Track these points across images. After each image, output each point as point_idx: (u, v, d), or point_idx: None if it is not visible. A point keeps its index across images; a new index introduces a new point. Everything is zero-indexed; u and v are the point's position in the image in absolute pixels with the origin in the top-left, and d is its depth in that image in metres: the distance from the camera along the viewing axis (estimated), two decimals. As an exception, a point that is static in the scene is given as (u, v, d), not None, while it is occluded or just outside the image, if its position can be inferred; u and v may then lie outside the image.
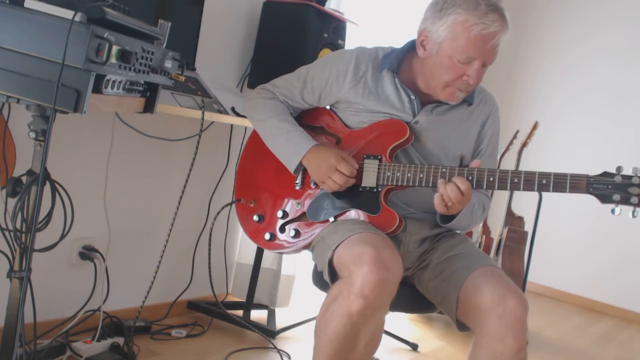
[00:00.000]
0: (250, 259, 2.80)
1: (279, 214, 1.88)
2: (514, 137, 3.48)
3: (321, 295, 1.69)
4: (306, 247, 1.85)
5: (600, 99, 4.54)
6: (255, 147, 1.97)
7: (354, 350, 1.53)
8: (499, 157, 3.42)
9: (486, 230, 3.51)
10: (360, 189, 1.78)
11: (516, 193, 3.51)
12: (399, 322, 3.16)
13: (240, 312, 2.70)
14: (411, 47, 1.81)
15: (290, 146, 1.83)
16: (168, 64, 1.53)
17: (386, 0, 3.57)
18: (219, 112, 2.27)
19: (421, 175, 1.70)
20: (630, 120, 4.42)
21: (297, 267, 2.99)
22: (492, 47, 1.64)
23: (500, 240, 3.48)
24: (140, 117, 2.26)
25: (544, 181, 1.57)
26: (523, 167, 3.16)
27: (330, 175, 1.75)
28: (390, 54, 1.83)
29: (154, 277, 2.29)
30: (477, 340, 1.59)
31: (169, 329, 2.50)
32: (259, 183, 1.96)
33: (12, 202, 1.37)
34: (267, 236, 1.89)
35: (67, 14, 1.22)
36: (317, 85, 1.87)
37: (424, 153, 1.82)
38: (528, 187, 1.59)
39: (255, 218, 1.93)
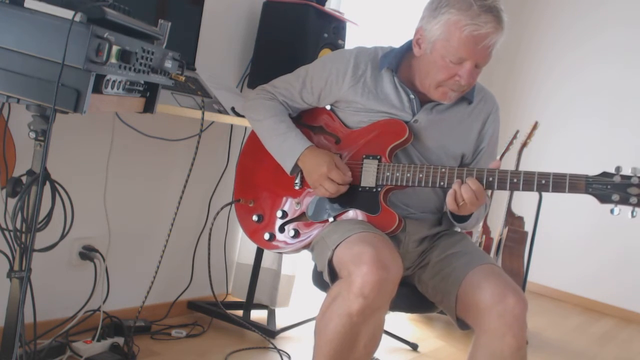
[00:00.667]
0: (250, 259, 2.80)
1: (278, 213, 1.88)
2: (514, 137, 3.47)
3: (321, 295, 1.69)
4: (305, 247, 1.85)
5: (600, 99, 4.54)
6: (255, 147, 1.97)
7: (354, 350, 1.53)
8: (499, 157, 3.42)
9: (486, 230, 3.51)
10: (360, 189, 1.78)
11: (516, 193, 3.51)
12: (399, 322, 3.16)
13: (240, 312, 2.70)
14: (410, 46, 1.81)
15: (285, 147, 1.83)
16: (168, 64, 1.53)
17: (386, 0, 3.57)
18: (219, 112, 2.27)
19: (420, 175, 1.70)
20: (630, 121, 4.42)
21: (297, 267, 2.99)
22: (484, 48, 1.64)
23: (500, 240, 3.48)
24: (140, 117, 2.26)
25: (543, 181, 1.57)
26: (523, 167, 3.17)
27: (322, 184, 1.75)
28: (389, 54, 1.83)
29: (154, 277, 2.29)
30: (477, 338, 1.60)
31: (169, 329, 2.50)
32: (258, 183, 1.96)
33: (12, 202, 1.37)
34: (266, 236, 1.89)
35: (67, 14, 1.22)
36: (316, 85, 1.87)
37: (424, 152, 1.82)
38: (527, 187, 1.59)
39: (255, 218, 1.93)
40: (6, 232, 1.45)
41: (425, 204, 1.85)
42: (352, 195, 1.78)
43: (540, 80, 4.80)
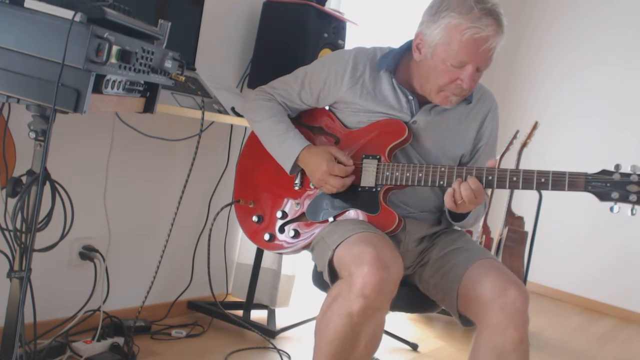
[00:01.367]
0: (250, 259, 2.80)
1: (279, 214, 1.88)
2: (514, 137, 3.48)
3: (321, 295, 1.69)
4: (306, 247, 1.85)
5: (600, 100, 4.54)
6: (254, 148, 1.97)
7: (355, 350, 1.53)
8: (499, 157, 3.42)
9: (486, 230, 3.51)
10: (360, 189, 1.78)
11: (516, 193, 3.51)
12: (399, 322, 3.16)
13: (240, 312, 2.70)
14: (409, 47, 1.81)
15: (284, 148, 1.84)
16: (168, 64, 1.53)
17: (386, 0, 3.57)
18: (219, 112, 2.27)
19: (420, 175, 1.70)
20: (630, 121, 4.42)
21: (297, 267, 2.99)
22: (485, 51, 1.63)
23: (500, 240, 3.48)
24: (140, 117, 2.26)
25: (543, 180, 1.57)
26: (523, 167, 3.16)
27: (327, 181, 1.75)
28: (388, 55, 1.83)
29: (154, 277, 2.28)
30: (479, 332, 1.59)
31: (169, 329, 2.50)
32: (258, 183, 1.96)
33: (12, 202, 1.37)
34: (266, 237, 1.89)
35: (67, 14, 1.22)
36: (315, 86, 1.87)
37: (423, 152, 1.82)
38: (527, 185, 1.59)
39: (255, 219, 1.93)
40: (6, 232, 1.45)
41: (424, 203, 1.85)
42: (351, 195, 1.78)
43: (541, 81, 4.80)
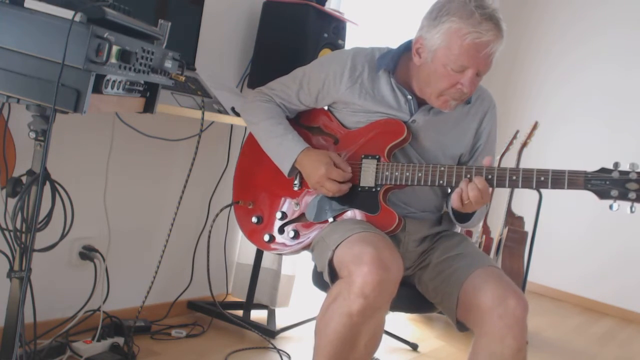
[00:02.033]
0: (250, 259, 2.80)
1: (278, 215, 1.88)
2: (514, 137, 3.48)
3: (321, 296, 1.69)
4: (305, 248, 1.85)
5: (600, 100, 4.54)
6: (253, 149, 1.97)
7: (354, 350, 1.53)
8: (499, 157, 3.42)
9: (486, 230, 3.51)
10: (359, 189, 1.78)
11: (516, 193, 3.51)
12: (399, 322, 3.16)
13: (240, 312, 2.70)
14: (407, 47, 1.81)
15: (282, 150, 1.84)
16: (168, 64, 1.53)
17: (386, 0, 3.57)
18: (219, 112, 2.27)
19: (419, 174, 1.70)
20: (630, 121, 4.42)
21: (297, 267, 2.99)
22: (485, 55, 1.64)
23: (500, 240, 3.48)
24: (140, 117, 2.25)
25: (542, 178, 1.57)
26: (523, 167, 3.16)
27: (323, 185, 1.76)
28: (386, 55, 1.83)
29: (154, 277, 2.28)
30: (477, 340, 1.59)
31: (169, 329, 2.50)
32: (257, 184, 1.96)
33: (12, 202, 1.37)
34: (266, 237, 1.89)
35: (67, 14, 1.22)
36: (313, 86, 1.87)
37: (422, 152, 1.82)
38: (526, 184, 1.59)
39: (254, 219, 1.93)
40: (6, 232, 1.45)
41: (424, 203, 1.85)
42: (351, 195, 1.78)
43: (540, 81, 4.80)
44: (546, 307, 4.34)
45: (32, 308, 1.55)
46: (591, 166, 1.60)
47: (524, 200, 3.71)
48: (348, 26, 2.64)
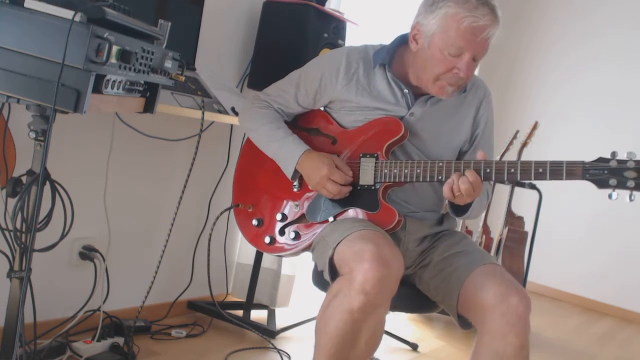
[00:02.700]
0: (250, 259, 2.80)
1: (278, 216, 1.88)
2: (514, 137, 3.48)
3: (321, 295, 1.69)
4: (306, 249, 1.85)
5: (600, 100, 4.54)
6: (251, 152, 1.98)
7: (355, 348, 1.53)
8: (499, 157, 3.42)
9: (486, 230, 3.51)
10: (359, 187, 1.78)
11: (516, 193, 3.51)
12: (399, 322, 3.16)
13: (240, 312, 2.70)
14: (401, 42, 1.83)
15: (282, 153, 1.84)
16: (168, 64, 1.53)
17: (386, 0, 3.57)
18: (219, 112, 2.27)
19: (418, 171, 1.71)
20: (630, 122, 4.42)
21: (297, 267, 2.99)
22: (482, 40, 1.66)
23: (500, 240, 3.48)
24: (140, 117, 2.25)
25: (540, 170, 1.58)
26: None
27: (324, 186, 1.76)
28: (380, 50, 1.84)
29: (154, 277, 2.29)
30: (480, 338, 1.59)
31: (169, 329, 2.50)
32: (257, 187, 1.96)
33: (12, 202, 1.37)
34: (267, 239, 1.89)
35: (67, 14, 1.22)
36: (310, 86, 1.87)
37: (422, 146, 1.82)
38: (525, 176, 1.60)
39: (254, 222, 1.93)
40: (6, 232, 1.45)
41: (424, 201, 1.86)
42: (351, 194, 1.78)
43: (541, 81, 4.80)
44: (546, 307, 4.34)
45: (32, 308, 1.55)
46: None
47: (524, 200, 3.71)
48: (348, 26, 2.64)
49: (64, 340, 2.08)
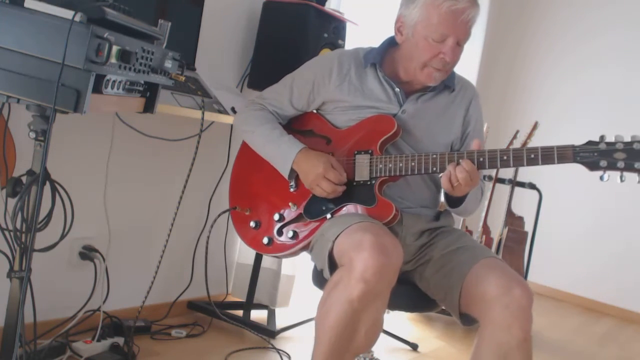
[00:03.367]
0: (250, 259, 2.80)
1: (276, 217, 1.89)
2: (514, 137, 3.48)
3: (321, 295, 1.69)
4: (304, 248, 1.86)
5: (600, 100, 4.53)
6: (247, 156, 2.00)
7: (355, 339, 1.54)
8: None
9: (486, 230, 3.51)
10: (355, 183, 1.81)
11: (516, 193, 3.51)
12: (399, 322, 3.16)
13: (240, 312, 2.70)
14: (390, 43, 1.88)
15: (279, 153, 1.86)
16: (168, 64, 1.53)
17: (386, 0, 3.57)
18: (219, 112, 2.27)
19: (413, 164, 1.74)
20: (630, 122, 4.41)
21: (297, 267, 2.99)
22: (462, 22, 1.71)
23: (500, 241, 3.48)
24: (140, 117, 2.26)
25: (532, 155, 1.62)
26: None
27: (319, 184, 1.78)
28: (371, 51, 1.90)
29: (154, 277, 2.29)
30: (482, 330, 1.60)
31: (169, 329, 2.50)
32: (254, 190, 1.97)
33: (12, 202, 1.37)
34: (265, 240, 1.90)
35: (67, 14, 1.22)
36: (304, 88, 1.91)
37: (414, 143, 1.85)
38: (517, 162, 1.63)
39: (252, 224, 1.94)
40: (6, 232, 1.45)
41: (420, 197, 1.88)
42: (347, 190, 1.81)
43: (540, 81, 4.80)
44: (546, 307, 4.34)
45: (32, 308, 1.55)
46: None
47: (524, 200, 3.71)
48: (348, 26, 2.64)
49: (64, 340, 2.08)
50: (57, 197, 1.47)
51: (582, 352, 3.39)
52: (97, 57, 1.22)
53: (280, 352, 2.47)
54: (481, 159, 1.67)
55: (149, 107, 1.61)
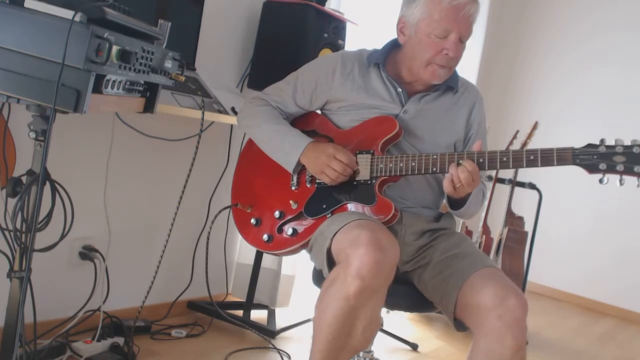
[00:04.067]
0: (250, 259, 2.80)
1: (276, 214, 1.90)
2: (514, 137, 3.48)
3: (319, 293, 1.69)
4: (304, 246, 1.86)
5: (600, 101, 4.53)
6: (251, 155, 2.01)
7: (352, 336, 1.55)
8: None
9: (486, 230, 3.51)
10: (355, 183, 1.81)
11: (516, 193, 3.51)
12: (399, 322, 3.16)
13: (240, 312, 2.70)
14: (393, 45, 1.90)
15: (287, 145, 1.86)
16: (168, 64, 1.53)
17: (386, 0, 3.57)
18: (219, 112, 2.27)
19: (413, 164, 1.75)
20: (630, 123, 4.41)
21: (297, 267, 2.99)
22: (464, 17, 1.73)
23: (500, 240, 3.48)
24: (140, 117, 2.26)
25: (532, 157, 1.62)
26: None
27: (330, 164, 1.78)
28: (374, 52, 1.91)
29: (154, 277, 2.29)
30: (477, 340, 1.60)
31: (169, 329, 2.50)
32: (255, 189, 1.98)
33: (12, 202, 1.37)
34: (265, 237, 1.90)
35: (67, 14, 1.22)
36: (307, 86, 1.91)
37: (416, 143, 1.86)
38: (517, 164, 1.64)
39: (253, 222, 1.94)
40: (6, 232, 1.45)
41: (421, 197, 1.89)
42: (348, 189, 1.82)
43: (540, 81, 4.80)
44: (546, 307, 4.34)
45: (32, 308, 1.55)
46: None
47: (524, 200, 3.71)
48: (348, 26, 2.64)
49: (64, 340, 2.08)
50: (57, 197, 1.47)
51: (582, 352, 3.39)
52: (97, 57, 1.22)
53: (281, 352, 2.47)
54: (481, 160, 1.67)
55: (149, 107, 1.61)
